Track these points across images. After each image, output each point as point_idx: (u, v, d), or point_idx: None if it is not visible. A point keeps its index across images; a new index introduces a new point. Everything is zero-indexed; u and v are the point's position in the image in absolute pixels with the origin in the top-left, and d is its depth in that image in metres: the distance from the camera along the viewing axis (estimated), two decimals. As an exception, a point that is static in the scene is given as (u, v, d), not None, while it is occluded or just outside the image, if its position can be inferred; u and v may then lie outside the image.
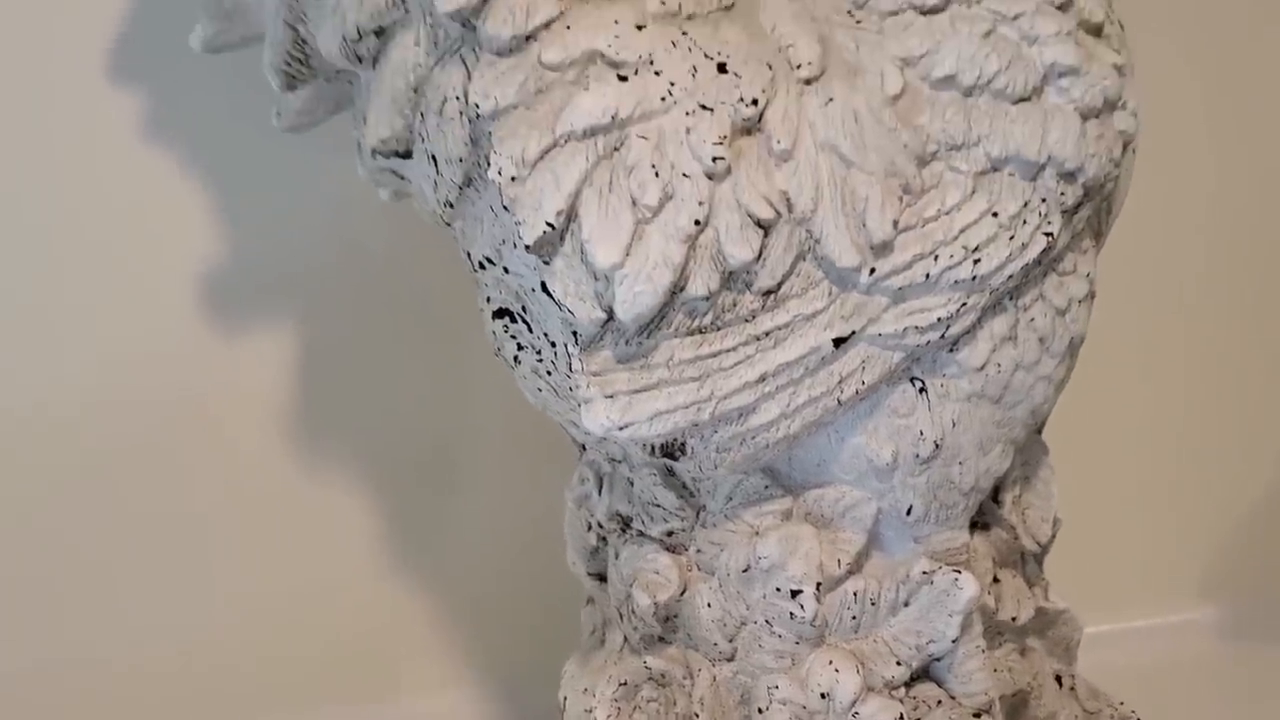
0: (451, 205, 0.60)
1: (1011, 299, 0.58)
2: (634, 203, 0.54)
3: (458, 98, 0.57)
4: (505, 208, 0.55)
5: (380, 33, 0.58)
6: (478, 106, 0.55)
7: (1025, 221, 0.57)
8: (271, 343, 0.84)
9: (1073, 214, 0.59)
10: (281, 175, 0.82)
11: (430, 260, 0.82)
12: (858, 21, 0.59)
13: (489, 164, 0.55)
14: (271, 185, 0.82)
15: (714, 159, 0.55)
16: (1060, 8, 0.59)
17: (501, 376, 0.65)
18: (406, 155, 0.61)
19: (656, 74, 0.56)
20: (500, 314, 0.61)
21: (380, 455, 0.88)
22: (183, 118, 0.80)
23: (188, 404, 0.83)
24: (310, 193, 0.83)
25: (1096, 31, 0.60)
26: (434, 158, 0.59)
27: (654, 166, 0.55)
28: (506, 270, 0.59)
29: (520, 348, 0.61)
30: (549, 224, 0.54)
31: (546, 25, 0.56)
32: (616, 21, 0.57)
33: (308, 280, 0.84)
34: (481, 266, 0.60)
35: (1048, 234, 0.58)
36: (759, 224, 0.55)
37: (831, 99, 0.57)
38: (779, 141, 0.56)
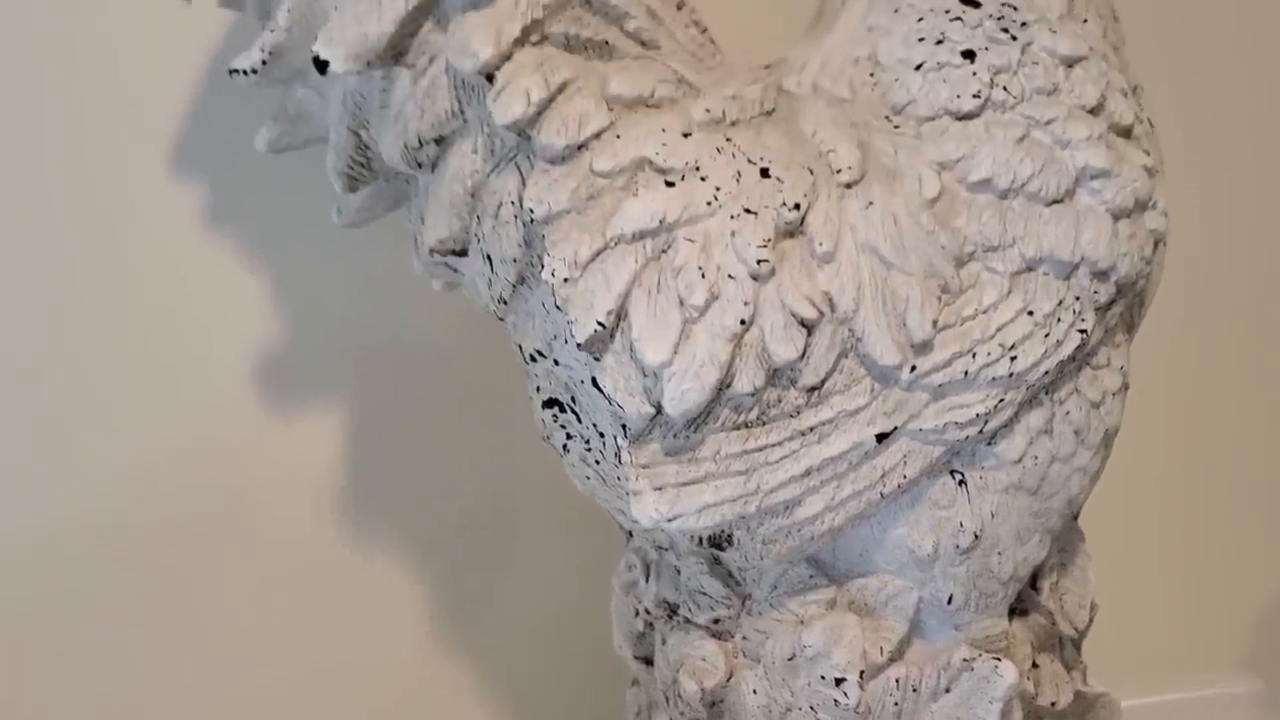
0: (505, 301, 0.62)
1: (1047, 393, 0.60)
2: (682, 303, 0.57)
3: (513, 202, 0.59)
4: (558, 307, 0.58)
5: (440, 141, 0.61)
6: (532, 211, 0.58)
7: (1060, 319, 0.59)
8: (323, 425, 0.87)
9: (1106, 311, 0.61)
10: (335, 262, 0.85)
11: (480, 346, 0.85)
12: (895, 126, 0.61)
13: (543, 265, 0.58)
14: (325, 271, 0.85)
15: (759, 261, 0.57)
16: (1091, 111, 0.61)
17: (549, 461, 0.67)
18: (462, 254, 0.63)
19: (702, 179, 0.59)
20: (550, 404, 0.63)
21: (429, 536, 0.90)
22: (242, 209, 0.83)
23: (240, 484, 0.85)
24: (363, 279, 0.85)
25: (1126, 133, 0.63)
26: (489, 257, 0.61)
27: (700, 268, 0.57)
28: (557, 363, 0.61)
29: (569, 437, 0.63)
30: (600, 323, 0.57)
31: (598, 135, 0.58)
32: (664, 130, 0.59)
33: (361, 364, 0.87)
34: (533, 359, 0.63)
35: (1082, 331, 0.59)
36: (803, 323, 0.57)
37: (872, 202, 0.59)
38: (821, 244, 0.58)
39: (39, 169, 0.80)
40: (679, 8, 0.66)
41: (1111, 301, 0.61)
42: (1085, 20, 0.64)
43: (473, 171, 0.61)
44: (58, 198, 0.80)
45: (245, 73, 0.64)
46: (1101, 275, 0.59)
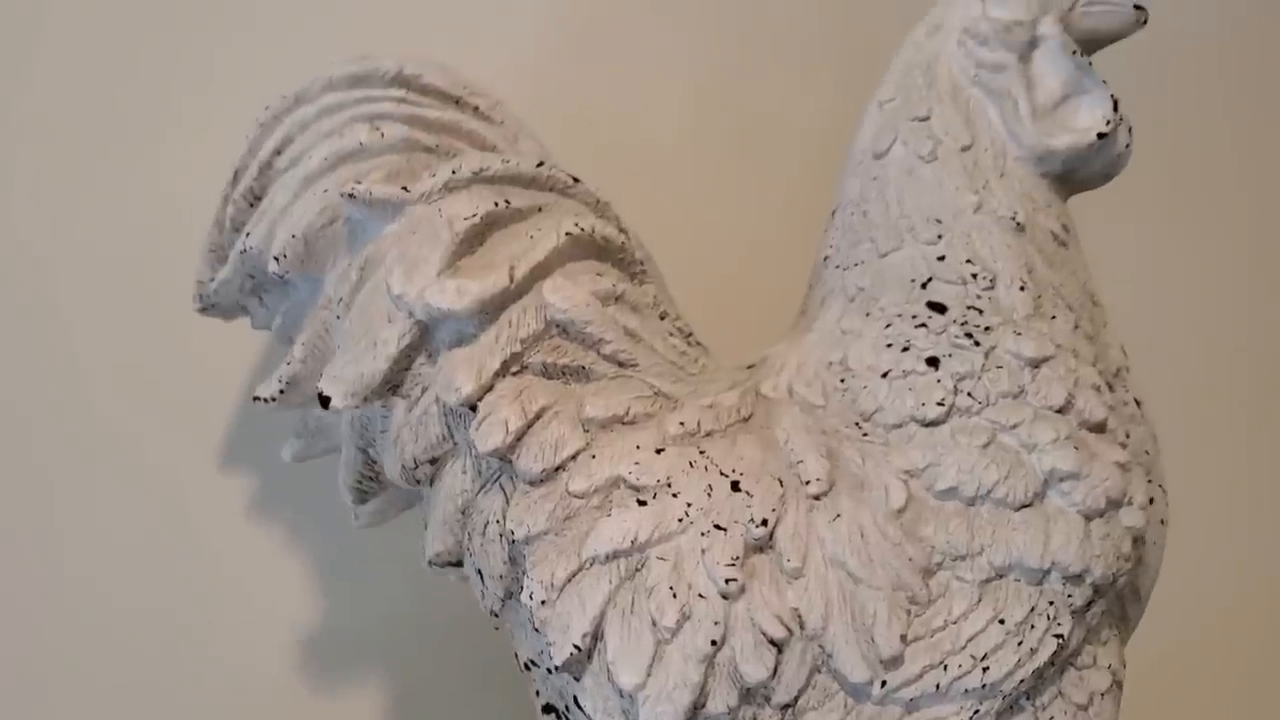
0: (496, 614, 0.65)
1: (1029, 698, 0.60)
2: (654, 624, 0.59)
3: (497, 521, 0.63)
4: (536, 629, 0.60)
5: (434, 461, 0.65)
6: (513, 533, 0.61)
7: (1033, 626, 0.59)
8: (357, 701, 0.90)
9: (1085, 612, 0.60)
10: (364, 553, 0.89)
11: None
12: (864, 434, 0.63)
13: (522, 587, 0.60)
14: (356, 561, 0.89)
15: (727, 580, 0.59)
16: (1060, 411, 0.63)
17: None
18: (459, 565, 0.66)
19: (674, 495, 0.61)
20: (548, 709, 0.65)
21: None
22: (281, 507, 0.88)
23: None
24: (391, 567, 0.89)
25: (1100, 428, 0.63)
26: (480, 572, 0.64)
27: (672, 588, 0.59)
28: (549, 672, 0.63)
29: (569, 740, 0.65)
30: (576, 646, 0.59)
31: (574, 457, 0.62)
32: (638, 447, 0.62)
33: (389, 643, 0.90)
34: (527, 668, 0.65)
35: (1058, 636, 0.59)
36: (773, 642, 0.58)
37: (839, 515, 0.61)
38: (789, 560, 0.60)
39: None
40: (662, 317, 0.70)
41: (1090, 603, 0.60)
42: (1054, 317, 0.66)
43: (463, 490, 0.64)
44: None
45: (266, 400, 0.70)
46: (1075, 578, 0.60)
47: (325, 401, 0.64)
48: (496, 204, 0.65)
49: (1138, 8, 0.71)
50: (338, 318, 0.67)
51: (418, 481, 0.66)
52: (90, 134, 0.88)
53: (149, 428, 0.87)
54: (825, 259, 0.72)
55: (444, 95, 0.74)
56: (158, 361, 0.87)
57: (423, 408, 0.64)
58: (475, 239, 0.65)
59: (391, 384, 0.65)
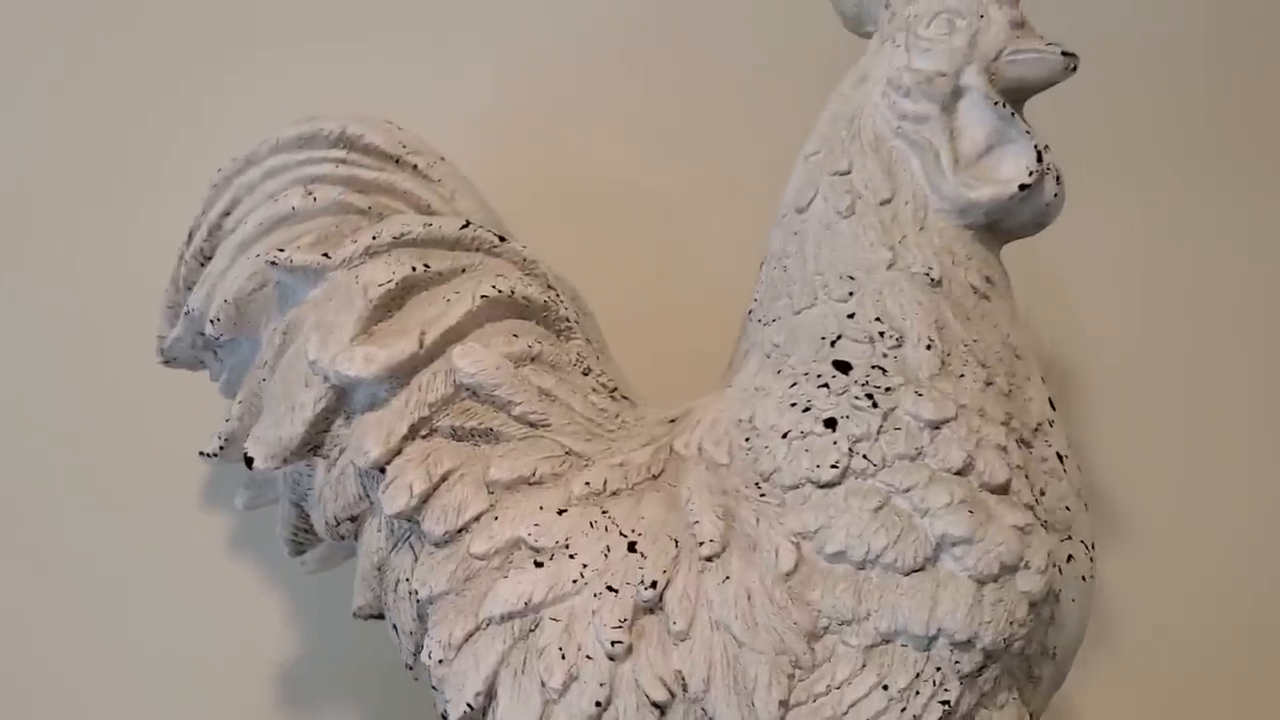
0: (410, 668, 0.67)
1: (917, 763, 0.60)
2: (543, 684, 0.60)
3: (406, 580, 0.65)
4: (433, 687, 0.62)
5: (354, 519, 0.68)
6: (417, 592, 0.63)
7: (918, 692, 0.59)
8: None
9: (975, 677, 0.60)
10: (344, 590, 0.92)
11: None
12: (762, 495, 0.64)
13: (424, 647, 0.63)
14: (336, 598, 0.92)
15: (613, 642, 0.60)
16: (959, 473, 0.62)
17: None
18: (382, 617, 0.69)
19: (571, 557, 0.63)
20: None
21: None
22: (262, 544, 0.92)
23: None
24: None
25: (1002, 490, 0.63)
26: (395, 627, 0.67)
27: (561, 649, 0.61)
28: (468, 725, 0.65)
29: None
30: (469, 704, 0.61)
31: (477, 518, 0.64)
32: (541, 508, 0.64)
33: (368, 680, 0.93)
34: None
35: (944, 702, 0.59)
36: (655, 705, 0.59)
37: (728, 577, 0.61)
38: (675, 622, 0.61)
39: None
40: (585, 373, 0.71)
41: (981, 668, 0.60)
42: (962, 375, 0.65)
43: (378, 548, 0.67)
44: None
45: (207, 455, 0.74)
46: (963, 645, 0.59)
47: (249, 462, 0.67)
48: (414, 268, 0.68)
49: (1065, 54, 0.69)
50: (263, 380, 0.70)
51: (341, 537, 0.69)
52: (69, 190, 0.93)
53: (130, 469, 0.91)
54: (750, 312, 0.73)
55: (383, 154, 0.76)
56: (141, 402, 0.91)
57: (340, 468, 0.67)
58: (392, 303, 0.67)
59: (311, 445, 0.67)
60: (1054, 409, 0.70)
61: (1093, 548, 0.68)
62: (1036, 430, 0.67)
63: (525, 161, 0.95)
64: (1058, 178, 0.70)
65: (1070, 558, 0.66)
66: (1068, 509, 0.67)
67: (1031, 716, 0.65)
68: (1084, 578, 0.67)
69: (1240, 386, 1.06)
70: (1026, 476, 0.64)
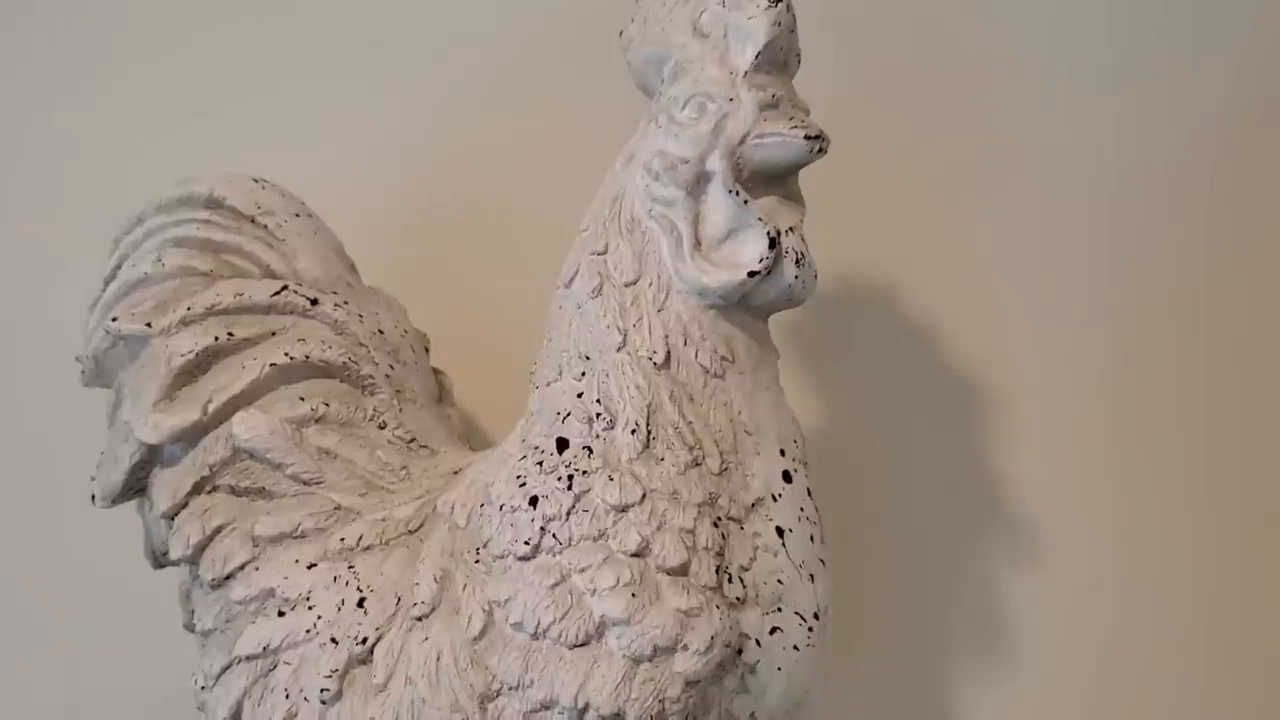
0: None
1: (572, 824, 0.66)
2: (269, 718, 0.70)
3: (194, 611, 0.76)
4: (198, 709, 0.73)
5: (167, 553, 0.79)
6: (195, 626, 0.75)
7: (571, 760, 0.66)
8: None
9: (624, 752, 0.66)
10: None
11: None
12: (477, 561, 0.71)
13: (193, 673, 0.74)
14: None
15: (322, 689, 0.69)
16: (636, 554, 0.67)
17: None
18: (202, 634, 0.81)
19: (310, 609, 0.72)
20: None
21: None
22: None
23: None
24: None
25: (680, 571, 0.67)
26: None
27: (287, 690, 0.70)
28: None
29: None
30: (220, 729, 0.72)
31: (241, 567, 0.74)
32: (296, 561, 0.74)
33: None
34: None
35: (595, 770, 0.66)
36: (348, 748, 0.69)
37: (428, 638, 0.69)
38: (376, 676, 0.69)
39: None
40: (381, 427, 0.79)
41: (627, 743, 0.66)
42: (662, 459, 0.69)
43: (183, 580, 0.79)
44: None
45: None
46: (610, 718, 0.65)
47: (93, 499, 0.79)
48: (218, 337, 0.77)
49: (809, 138, 0.71)
50: (109, 428, 0.82)
51: (162, 565, 0.80)
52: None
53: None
54: (531, 375, 0.79)
55: (240, 215, 0.85)
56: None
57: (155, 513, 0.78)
58: (197, 370, 0.77)
59: (134, 489, 0.79)
60: (789, 481, 0.73)
61: (818, 616, 0.72)
62: (754, 507, 0.71)
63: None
64: (798, 260, 0.72)
65: (775, 629, 0.70)
66: (780, 582, 0.70)
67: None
68: (796, 646, 0.70)
69: (1158, 402, 1.04)
70: (720, 554, 0.68)
